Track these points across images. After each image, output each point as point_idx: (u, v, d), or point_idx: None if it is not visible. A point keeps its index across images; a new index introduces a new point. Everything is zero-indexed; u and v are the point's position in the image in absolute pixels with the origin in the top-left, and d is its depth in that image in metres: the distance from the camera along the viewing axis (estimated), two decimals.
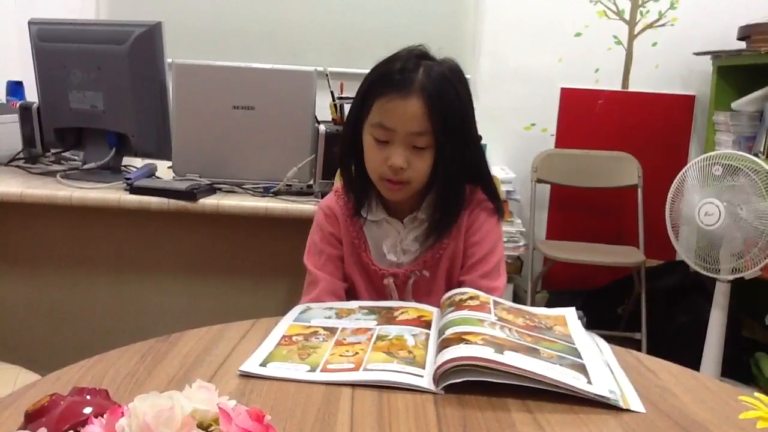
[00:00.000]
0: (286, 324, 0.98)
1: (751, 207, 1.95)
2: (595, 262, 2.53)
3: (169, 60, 1.71)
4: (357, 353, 0.86)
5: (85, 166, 1.80)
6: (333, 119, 1.80)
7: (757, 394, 0.62)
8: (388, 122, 1.06)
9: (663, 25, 2.89)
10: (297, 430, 0.68)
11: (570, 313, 1.00)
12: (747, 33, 2.52)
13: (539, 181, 2.78)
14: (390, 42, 1.13)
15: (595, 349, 0.90)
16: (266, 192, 1.69)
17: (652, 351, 1.63)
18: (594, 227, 2.92)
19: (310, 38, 2.91)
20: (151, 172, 1.76)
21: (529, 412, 0.74)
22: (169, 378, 0.79)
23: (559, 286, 2.96)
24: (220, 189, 1.71)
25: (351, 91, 1.67)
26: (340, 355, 0.86)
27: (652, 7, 2.88)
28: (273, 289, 1.75)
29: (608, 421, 0.73)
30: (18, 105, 1.94)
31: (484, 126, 1.15)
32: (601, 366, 0.84)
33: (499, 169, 2.77)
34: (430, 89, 1.04)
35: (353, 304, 1.07)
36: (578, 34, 2.91)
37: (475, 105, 1.13)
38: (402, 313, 1.01)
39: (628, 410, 0.75)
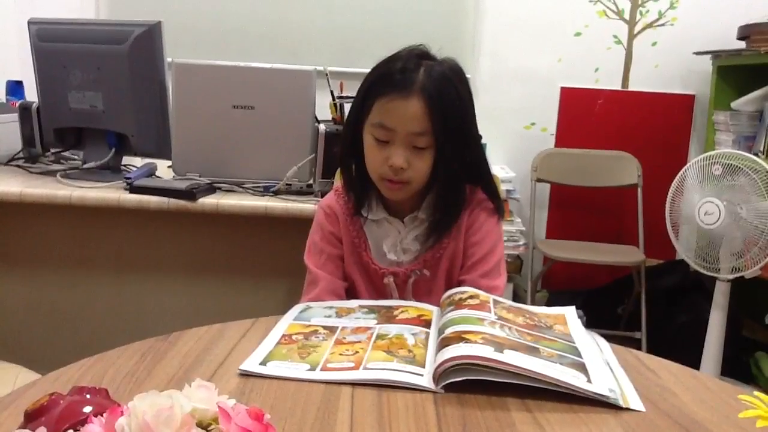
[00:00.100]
0: (285, 323, 0.98)
1: (751, 206, 1.95)
2: (595, 261, 2.53)
3: (169, 59, 1.71)
4: (357, 352, 0.86)
5: (85, 166, 1.80)
6: (333, 119, 1.80)
7: (756, 393, 0.62)
8: (389, 122, 1.06)
9: (663, 24, 2.89)
10: (297, 429, 0.68)
11: (570, 312, 1.00)
12: (747, 33, 2.52)
13: (539, 180, 2.78)
14: (390, 42, 1.12)
15: (595, 348, 0.90)
16: (266, 191, 1.69)
17: (652, 350, 1.63)
18: (594, 227, 2.92)
19: (310, 38, 2.91)
20: (150, 172, 1.76)
21: (529, 411, 0.74)
22: (168, 377, 0.79)
23: (559, 285, 2.96)
24: (219, 188, 1.71)
25: (351, 90, 1.67)
26: (340, 354, 0.86)
27: (651, 6, 2.88)
28: (273, 289, 1.75)
29: (608, 420, 0.73)
30: (18, 105, 1.94)
31: (484, 125, 1.15)
32: (601, 365, 0.84)
33: (499, 168, 2.77)
34: (430, 89, 1.04)
35: (353, 303, 1.07)
36: (578, 34, 2.91)
37: (475, 104, 1.13)
38: (402, 312, 1.01)
39: (627, 409, 0.75)
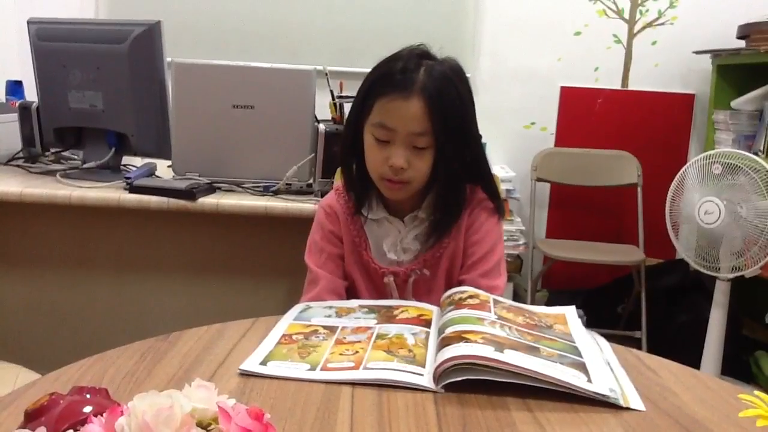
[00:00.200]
0: (286, 323, 0.98)
1: (751, 205, 1.95)
2: (595, 260, 2.53)
3: (169, 59, 1.71)
4: (357, 352, 0.86)
5: (85, 166, 1.80)
6: (332, 118, 1.80)
7: (757, 392, 0.62)
8: (389, 122, 1.06)
9: (662, 23, 2.89)
10: (297, 429, 0.68)
11: (570, 312, 1.00)
12: (746, 32, 2.52)
13: (539, 179, 2.78)
14: (389, 42, 1.12)
15: (595, 347, 0.90)
16: (266, 191, 1.69)
17: (652, 350, 1.63)
18: (594, 226, 2.92)
19: (310, 37, 2.91)
20: (150, 172, 1.76)
21: (529, 411, 0.74)
22: (168, 377, 0.79)
23: (559, 284, 2.96)
24: (219, 188, 1.71)
25: (350, 90, 1.67)
26: (340, 354, 0.86)
27: (651, 5, 2.88)
28: (273, 288, 1.75)
29: (608, 419, 0.73)
30: (17, 104, 1.94)
31: (483, 125, 1.15)
32: (602, 364, 0.84)
33: (499, 167, 2.77)
34: (431, 89, 1.04)
35: (353, 303, 1.07)
36: (578, 33, 2.91)
37: (475, 104, 1.13)
38: (402, 311, 1.01)
39: (628, 409, 0.75)
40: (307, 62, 1.78)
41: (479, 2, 2.90)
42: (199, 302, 1.77)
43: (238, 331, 0.95)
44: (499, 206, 1.20)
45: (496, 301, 0.97)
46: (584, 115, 2.92)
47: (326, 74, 1.79)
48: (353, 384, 0.79)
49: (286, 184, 1.69)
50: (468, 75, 1.12)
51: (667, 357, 0.92)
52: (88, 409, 0.58)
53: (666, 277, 2.62)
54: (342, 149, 1.19)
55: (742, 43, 2.55)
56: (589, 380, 0.78)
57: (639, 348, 2.19)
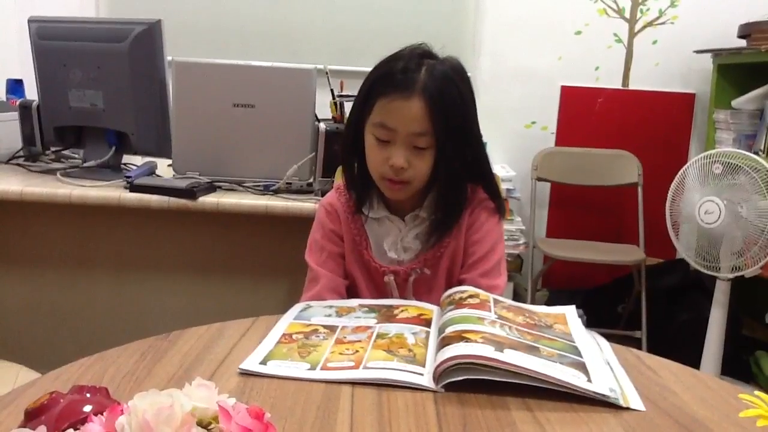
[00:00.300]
0: (286, 322, 0.98)
1: (752, 205, 1.94)
2: (595, 260, 2.53)
3: (169, 58, 1.71)
4: (357, 351, 0.86)
5: (85, 165, 1.80)
6: (333, 117, 1.80)
7: (757, 392, 0.62)
8: (390, 122, 1.06)
9: (663, 23, 2.89)
10: (297, 429, 0.68)
11: (570, 312, 1.00)
12: (747, 31, 2.51)
13: (539, 179, 2.78)
14: (390, 41, 1.12)
15: (595, 347, 0.90)
16: (266, 190, 1.69)
17: (652, 349, 1.63)
18: (594, 225, 2.92)
19: (310, 37, 2.91)
20: (151, 171, 1.76)
21: (529, 411, 0.74)
22: (168, 376, 0.79)
23: (559, 284, 2.96)
24: (220, 187, 1.71)
25: (351, 89, 1.67)
26: (340, 354, 0.86)
27: (652, 5, 2.88)
28: (273, 288, 1.75)
29: (608, 419, 0.73)
30: (18, 103, 1.94)
31: (484, 124, 1.15)
32: (601, 364, 0.84)
33: (500, 167, 2.77)
34: (432, 90, 1.04)
35: (353, 303, 1.07)
36: (578, 33, 2.91)
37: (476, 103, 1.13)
38: (402, 311, 1.01)
39: (628, 408, 0.75)
40: (307, 61, 1.78)
41: (480, 2, 2.90)
42: (200, 301, 1.77)
43: (238, 330, 0.95)
44: (499, 206, 1.20)
45: (496, 301, 0.97)
46: (585, 114, 2.92)
47: (327, 73, 1.79)
48: (353, 383, 0.79)
49: (287, 183, 1.69)
50: (468, 74, 1.12)
51: (667, 357, 0.92)
52: (88, 408, 0.58)
53: (666, 276, 2.62)
54: (343, 148, 1.19)
55: (742, 43, 2.55)
56: (589, 380, 0.78)
57: (639, 348, 2.19)
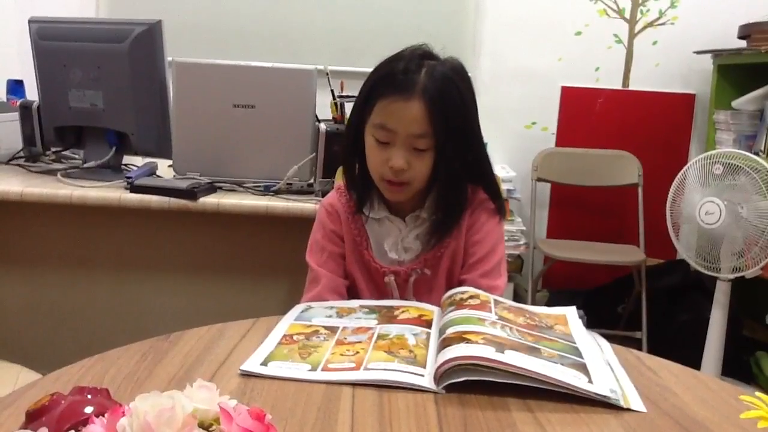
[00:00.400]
0: (286, 323, 0.98)
1: (752, 206, 1.95)
2: (596, 261, 2.53)
3: (169, 58, 1.71)
4: (358, 352, 0.86)
5: (86, 165, 1.80)
6: (333, 118, 1.80)
7: (758, 393, 0.62)
8: (390, 124, 1.06)
9: (663, 23, 2.89)
10: (298, 430, 0.68)
11: (571, 312, 1.00)
12: (747, 32, 2.51)
13: (540, 179, 2.78)
14: (390, 41, 1.12)
15: (595, 348, 0.90)
16: (267, 191, 1.69)
17: (653, 350, 1.64)
18: (594, 226, 2.92)
19: (311, 37, 2.91)
20: (151, 171, 1.76)
21: (530, 412, 0.74)
22: (169, 377, 0.79)
23: (559, 285, 2.96)
24: (220, 188, 1.71)
25: (351, 89, 1.67)
26: (341, 355, 0.86)
27: (652, 5, 2.88)
28: (273, 288, 1.75)
29: (609, 420, 0.73)
30: (18, 103, 1.94)
31: (484, 125, 1.15)
32: (602, 365, 0.84)
33: (500, 167, 2.77)
34: (432, 91, 1.04)
35: (354, 304, 1.07)
36: (578, 33, 2.91)
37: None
38: (403, 312, 1.01)
39: (628, 409, 0.75)
40: (307, 62, 1.78)
41: (480, 2, 2.90)
42: (200, 302, 1.77)
43: (238, 331, 0.95)
44: (500, 206, 1.20)
45: (496, 302, 0.97)
46: (585, 115, 2.92)
47: (327, 74, 1.79)
48: (354, 384, 0.79)
49: (287, 183, 1.69)
50: (469, 74, 1.12)
51: (667, 357, 0.93)
52: (89, 409, 0.58)
53: (666, 277, 2.62)
54: (344, 149, 1.19)
55: (743, 43, 2.55)
56: (590, 381, 0.78)
57: (639, 348, 2.20)
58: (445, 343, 0.83)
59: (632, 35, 2.91)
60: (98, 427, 0.52)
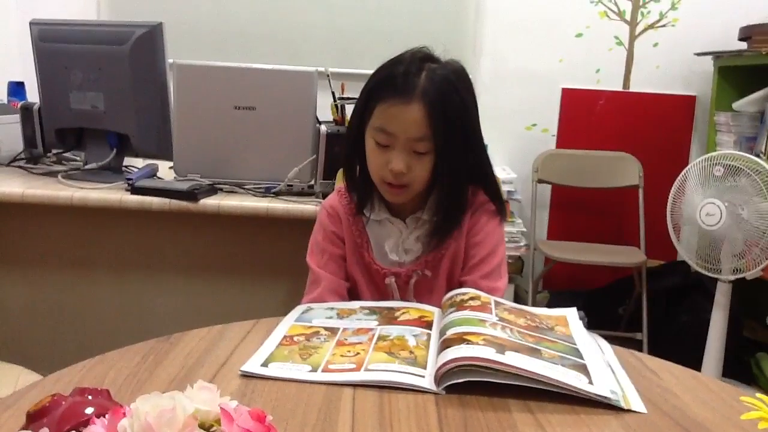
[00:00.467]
0: (287, 324, 0.98)
1: (753, 207, 1.95)
2: (596, 262, 2.53)
3: (170, 60, 1.71)
4: (358, 353, 0.86)
5: (87, 167, 1.81)
6: (334, 119, 1.80)
7: (759, 394, 0.62)
8: (390, 127, 1.06)
9: (664, 25, 2.89)
10: (298, 431, 0.68)
11: (571, 314, 1.00)
12: (748, 33, 2.51)
13: (540, 181, 2.78)
14: (390, 43, 1.13)
15: (596, 349, 0.90)
16: (267, 192, 1.69)
17: (653, 351, 1.63)
18: (595, 227, 2.92)
19: (311, 39, 2.91)
20: (152, 173, 1.76)
21: (531, 413, 0.74)
22: (170, 378, 0.79)
23: (560, 286, 2.96)
24: (221, 189, 1.71)
25: (352, 91, 1.67)
26: (342, 356, 0.86)
27: (653, 7, 2.88)
28: (274, 290, 1.75)
29: (610, 421, 0.73)
30: (19, 105, 1.94)
31: (484, 126, 1.15)
32: (603, 366, 0.84)
33: (500, 169, 2.77)
34: (432, 95, 1.04)
35: (354, 305, 1.07)
36: (579, 35, 2.91)
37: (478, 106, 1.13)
38: (403, 313, 1.01)
39: (629, 411, 0.75)
40: (308, 63, 1.78)
41: (480, 3, 2.90)
42: (201, 303, 1.77)
43: (239, 332, 0.95)
44: (500, 208, 1.20)
45: (497, 303, 0.97)
46: (586, 116, 2.92)
47: (328, 75, 1.79)
48: (354, 385, 0.79)
49: (288, 185, 1.69)
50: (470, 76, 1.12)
51: (668, 359, 0.93)
52: (90, 410, 0.58)
53: (667, 278, 2.62)
54: (344, 151, 1.19)
55: (743, 45, 2.55)
56: (591, 382, 0.78)
57: (640, 350, 2.19)
58: (445, 344, 0.83)
59: (633, 37, 2.91)
60: (99, 428, 0.52)
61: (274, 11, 2.90)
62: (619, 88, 2.93)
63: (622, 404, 0.76)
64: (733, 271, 2.03)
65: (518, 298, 2.77)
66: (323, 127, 1.67)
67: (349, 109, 1.45)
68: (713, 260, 2.07)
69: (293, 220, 1.58)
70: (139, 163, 1.91)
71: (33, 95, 1.94)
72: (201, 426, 0.52)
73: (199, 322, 0.99)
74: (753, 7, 2.65)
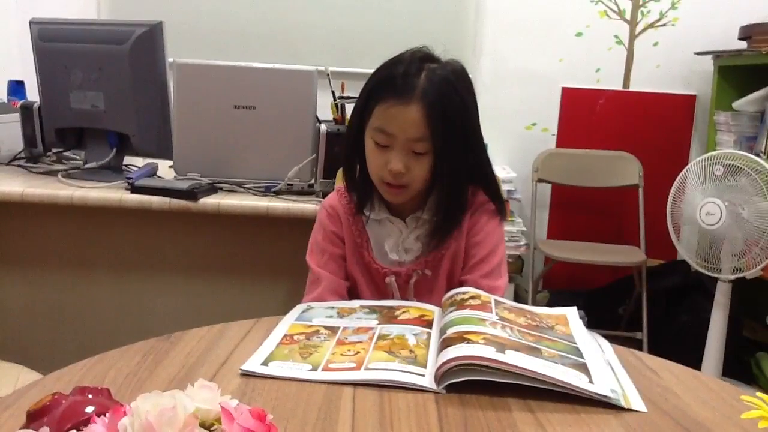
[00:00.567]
0: (287, 323, 0.98)
1: (752, 207, 1.95)
2: (596, 261, 2.53)
3: (170, 59, 1.71)
4: (358, 352, 0.86)
5: (87, 166, 1.81)
6: (334, 119, 1.80)
7: (759, 394, 0.62)
8: (389, 128, 1.06)
9: (664, 25, 2.89)
10: (299, 430, 0.68)
11: (571, 313, 1.00)
12: (748, 33, 2.51)
13: (540, 180, 2.78)
14: (390, 42, 1.13)
15: (596, 348, 0.90)
16: (267, 191, 1.69)
17: (653, 351, 1.63)
18: (595, 227, 2.92)
19: (311, 38, 2.91)
20: (152, 172, 1.76)
21: (531, 412, 0.74)
22: (170, 377, 0.79)
23: (560, 285, 2.96)
24: (221, 188, 1.71)
25: (352, 90, 1.67)
26: (342, 355, 0.86)
27: (653, 6, 2.88)
28: (274, 289, 1.75)
29: (610, 420, 0.73)
30: (19, 104, 1.94)
31: (484, 126, 1.15)
32: (603, 365, 0.84)
33: (500, 168, 2.77)
34: (431, 96, 1.04)
35: (354, 304, 1.07)
36: (579, 34, 2.91)
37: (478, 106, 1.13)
38: (403, 312, 1.01)
39: (629, 410, 0.75)
40: (308, 63, 1.78)
41: (480, 3, 2.90)
42: (201, 303, 1.77)
43: (239, 331, 0.95)
44: (500, 208, 1.20)
45: (497, 302, 0.97)
46: (586, 116, 2.92)
47: (328, 75, 1.79)
48: (355, 384, 0.79)
49: (288, 184, 1.69)
50: (470, 76, 1.12)
51: (667, 358, 0.93)
52: (90, 409, 0.59)
53: (667, 278, 2.62)
54: (344, 150, 1.19)
55: (743, 45, 2.55)
56: (591, 381, 0.78)
57: (640, 349, 2.20)
58: (445, 343, 0.83)
59: (633, 36, 2.91)
60: (100, 426, 0.52)
61: (275, 10, 2.90)
62: (619, 87, 2.93)
63: (623, 403, 0.76)
64: (733, 270, 2.03)
65: (518, 298, 2.77)
66: (323, 127, 1.67)
67: (349, 108, 1.45)
68: (713, 260, 2.07)
69: (293, 219, 1.58)
70: (139, 162, 1.91)
71: (33, 94, 1.94)
72: (201, 425, 0.52)
73: (199, 322, 0.99)
74: (753, 6, 2.65)
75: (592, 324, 1.22)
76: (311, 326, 0.96)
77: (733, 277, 2.05)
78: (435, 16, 2.90)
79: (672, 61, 2.89)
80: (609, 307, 2.76)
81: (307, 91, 1.69)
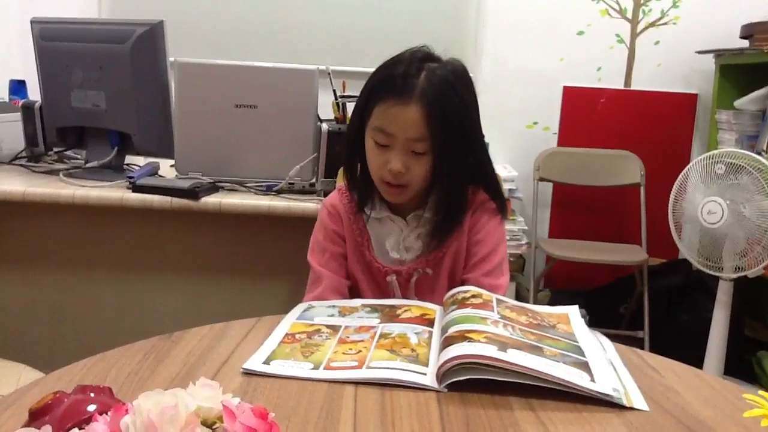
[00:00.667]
0: (289, 322, 0.98)
1: (754, 205, 1.94)
2: (598, 260, 2.53)
3: (171, 59, 1.71)
4: (360, 351, 0.86)
5: (88, 165, 1.81)
6: (335, 118, 1.80)
7: (761, 392, 0.62)
8: (388, 128, 1.06)
9: (665, 23, 2.88)
10: (300, 428, 0.68)
11: (573, 311, 1.00)
12: (749, 31, 2.51)
13: (541, 179, 2.78)
14: (391, 42, 1.12)
15: (598, 347, 0.90)
16: (268, 190, 1.69)
17: (655, 349, 1.63)
18: (596, 226, 2.92)
19: (312, 37, 2.91)
20: (153, 171, 1.76)
21: (532, 410, 0.74)
22: (172, 376, 0.79)
23: (561, 284, 2.96)
24: (222, 187, 1.71)
25: (353, 89, 1.67)
26: (343, 353, 0.86)
27: (654, 5, 2.88)
28: (275, 288, 1.75)
29: (612, 419, 0.73)
30: (20, 104, 1.94)
31: (486, 125, 1.15)
32: (605, 364, 0.84)
33: (502, 167, 2.77)
34: (430, 96, 1.04)
35: (356, 303, 1.07)
36: (580, 33, 2.91)
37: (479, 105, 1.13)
38: (405, 311, 1.01)
39: (631, 408, 0.75)
40: (309, 62, 1.78)
41: (481, 2, 2.90)
42: (202, 301, 1.77)
43: (241, 330, 0.95)
44: (501, 206, 1.20)
45: (499, 301, 0.97)
46: (587, 114, 2.92)
47: (329, 74, 1.79)
48: (356, 383, 0.79)
49: (289, 183, 1.69)
50: (470, 74, 1.12)
51: (669, 357, 0.92)
52: (92, 407, 0.59)
53: (669, 276, 2.62)
54: (345, 149, 1.19)
55: (745, 43, 2.55)
56: (593, 380, 0.78)
57: (642, 348, 2.19)
58: (447, 342, 0.83)
59: (634, 35, 2.90)
60: (101, 425, 0.52)
61: (276, 9, 2.90)
62: (620, 86, 2.93)
63: (624, 402, 0.76)
64: (735, 269, 2.03)
65: (519, 297, 2.77)
66: (324, 125, 1.67)
67: (350, 107, 1.45)
68: (715, 258, 2.07)
69: (294, 218, 1.58)
70: (140, 161, 1.91)
71: (34, 93, 1.94)
72: (203, 423, 0.52)
73: (200, 321, 0.99)
74: (754, 5, 2.65)
75: (593, 323, 1.22)
76: (313, 325, 0.96)
77: (734, 275, 2.05)
78: (436, 15, 2.90)
79: (673, 60, 2.88)
80: (610, 306, 2.75)
81: (308, 90, 1.69)
